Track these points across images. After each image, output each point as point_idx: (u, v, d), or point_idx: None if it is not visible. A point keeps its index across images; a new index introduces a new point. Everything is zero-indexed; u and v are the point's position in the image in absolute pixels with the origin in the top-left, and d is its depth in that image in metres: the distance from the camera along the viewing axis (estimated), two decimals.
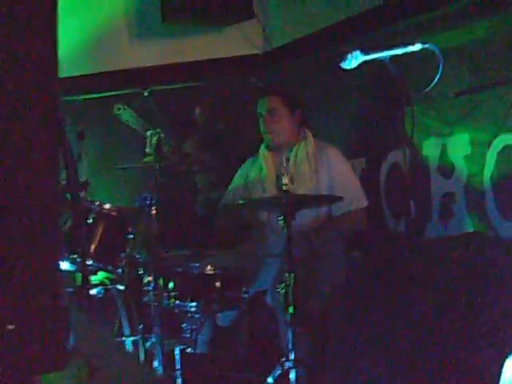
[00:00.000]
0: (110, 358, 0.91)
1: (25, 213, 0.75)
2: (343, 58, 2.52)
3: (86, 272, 1.96)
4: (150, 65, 4.35)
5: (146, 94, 4.34)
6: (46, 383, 0.77)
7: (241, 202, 3.26)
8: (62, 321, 0.75)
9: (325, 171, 3.35)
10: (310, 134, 3.45)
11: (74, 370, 0.82)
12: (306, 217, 3.13)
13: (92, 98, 4.41)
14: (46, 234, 0.76)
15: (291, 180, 2.82)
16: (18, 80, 0.78)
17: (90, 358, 0.85)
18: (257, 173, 3.53)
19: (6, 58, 0.76)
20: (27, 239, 0.75)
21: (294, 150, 3.40)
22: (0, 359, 0.71)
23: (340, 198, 3.12)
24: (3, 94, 0.77)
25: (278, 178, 3.35)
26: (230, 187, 3.65)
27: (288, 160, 3.25)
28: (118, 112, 3.57)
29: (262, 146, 3.54)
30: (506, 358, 2.02)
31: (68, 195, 1.08)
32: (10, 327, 0.70)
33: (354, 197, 3.33)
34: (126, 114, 3.58)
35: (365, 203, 3.36)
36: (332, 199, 3.27)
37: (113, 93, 4.35)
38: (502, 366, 2.02)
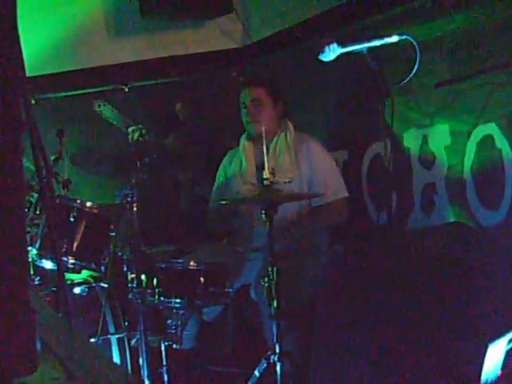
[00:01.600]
0: (87, 362, 0.90)
1: None
2: (321, 51, 2.52)
3: (62, 270, 1.94)
4: (129, 60, 4.32)
5: (126, 89, 4.31)
6: None
7: (223, 201, 3.26)
8: (28, 325, 0.74)
9: (305, 162, 3.36)
10: (290, 126, 3.46)
11: (51, 373, 0.81)
12: (286, 209, 3.14)
13: (72, 95, 4.37)
14: (11, 236, 0.75)
15: (272, 173, 2.82)
16: None
17: (66, 362, 0.84)
18: (237, 164, 3.53)
19: None
20: None
21: (275, 140, 3.40)
22: None
23: (321, 195, 3.17)
24: None
25: (258, 169, 3.36)
26: (214, 187, 3.65)
27: (268, 151, 3.25)
28: (98, 109, 3.55)
29: (243, 137, 3.54)
30: (489, 345, 2.05)
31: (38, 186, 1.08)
32: None
33: (334, 188, 3.35)
34: (107, 111, 3.56)
35: (345, 194, 3.38)
36: (313, 195, 3.29)
37: (93, 89, 4.32)
38: (485, 354, 2.04)
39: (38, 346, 0.72)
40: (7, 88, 0.76)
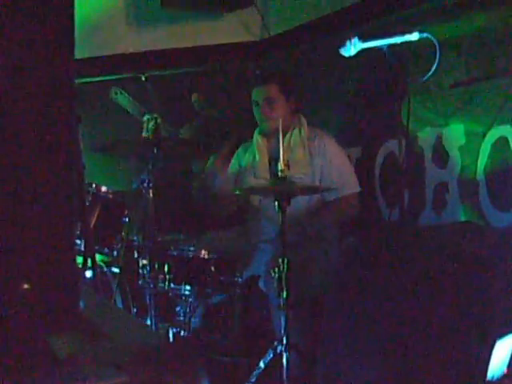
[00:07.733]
0: (114, 323, 0.93)
1: (44, 174, 0.77)
2: (342, 45, 2.54)
3: (91, 252, 1.98)
4: (147, 49, 4.34)
5: (143, 78, 4.32)
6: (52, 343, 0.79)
7: (237, 191, 3.28)
8: (74, 284, 0.77)
9: (319, 157, 3.37)
10: (304, 121, 3.47)
11: (78, 333, 0.83)
12: (298, 202, 3.15)
13: (89, 82, 4.40)
14: (63, 198, 0.78)
15: (287, 165, 2.83)
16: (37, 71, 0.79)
17: (93, 322, 0.87)
18: (250, 159, 3.55)
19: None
20: (46, 201, 0.77)
21: (288, 136, 3.41)
22: (13, 317, 0.73)
23: (334, 188, 3.18)
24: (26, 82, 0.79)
25: (271, 163, 3.38)
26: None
27: (282, 146, 3.26)
28: (114, 96, 3.57)
29: (256, 132, 3.55)
30: (496, 342, 2.06)
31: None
32: (26, 286, 0.73)
33: (347, 182, 3.36)
34: (123, 99, 3.59)
35: (357, 189, 3.39)
36: (327, 189, 3.30)
37: (110, 77, 4.34)
38: (492, 350, 2.06)
39: (82, 304, 0.75)
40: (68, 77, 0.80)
